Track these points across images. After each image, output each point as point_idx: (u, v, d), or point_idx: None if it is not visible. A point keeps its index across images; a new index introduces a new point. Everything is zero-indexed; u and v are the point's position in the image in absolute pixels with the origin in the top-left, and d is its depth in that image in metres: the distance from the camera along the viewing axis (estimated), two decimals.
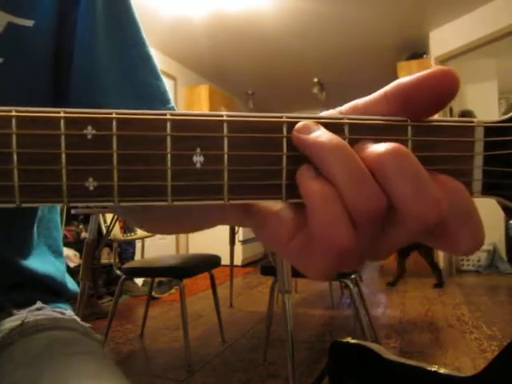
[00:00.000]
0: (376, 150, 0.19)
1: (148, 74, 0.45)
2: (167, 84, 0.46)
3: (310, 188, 0.19)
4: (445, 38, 3.80)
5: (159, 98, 0.45)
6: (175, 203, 0.19)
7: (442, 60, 3.86)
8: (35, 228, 0.50)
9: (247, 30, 3.77)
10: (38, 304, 0.47)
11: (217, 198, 0.19)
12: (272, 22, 3.60)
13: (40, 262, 0.49)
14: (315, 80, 4.81)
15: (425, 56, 4.07)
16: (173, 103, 0.46)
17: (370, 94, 0.21)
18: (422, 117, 0.20)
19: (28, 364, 0.38)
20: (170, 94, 0.46)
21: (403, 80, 0.20)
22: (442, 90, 0.19)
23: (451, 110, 4.19)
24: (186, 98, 4.77)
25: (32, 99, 0.42)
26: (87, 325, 0.51)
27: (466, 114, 4.34)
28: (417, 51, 4.14)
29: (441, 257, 3.88)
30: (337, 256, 0.19)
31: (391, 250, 0.21)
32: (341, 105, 0.22)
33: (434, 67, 0.19)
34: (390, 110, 0.20)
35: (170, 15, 3.46)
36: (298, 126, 0.19)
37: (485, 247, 4.01)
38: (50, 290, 0.50)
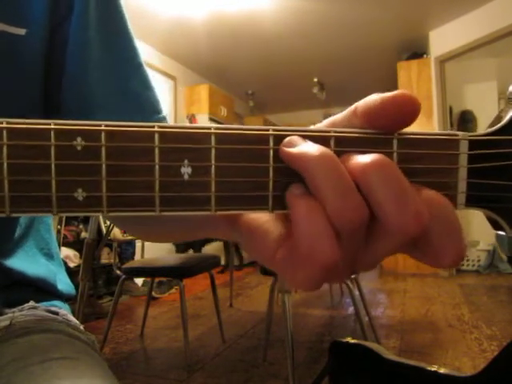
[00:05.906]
0: (360, 160, 0.19)
1: (139, 85, 0.45)
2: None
3: (296, 202, 0.19)
4: (445, 38, 3.80)
5: (151, 109, 0.45)
6: (163, 213, 0.19)
7: (442, 60, 3.87)
8: (25, 231, 0.49)
9: (247, 29, 3.77)
10: (31, 303, 0.47)
11: (204, 209, 0.19)
12: (272, 22, 3.60)
13: (29, 264, 0.48)
14: (315, 80, 4.81)
15: (425, 56, 4.08)
16: (164, 113, 0.46)
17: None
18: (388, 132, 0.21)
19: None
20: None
21: (371, 98, 0.20)
22: (403, 112, 0.19)
23: (451, 110, 4.19)
24: (186, 98, 4.75)
25: (23, 107, 0.42)
26: (80, 325, 0.50)
27: (466, 113, 4.34)
28: (417, 51, 4.14)
29: None
30: (321, 268, 0.19)
31: (376, 261, 0.21)
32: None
33: (397, 91, 0.20)
34: (360, 124, 0.21)
35: (169, 15, 3.46)
36: (284, 140, 0.20)
37: (485, 247, 4.01)
38: (41, 290, 0.50)
